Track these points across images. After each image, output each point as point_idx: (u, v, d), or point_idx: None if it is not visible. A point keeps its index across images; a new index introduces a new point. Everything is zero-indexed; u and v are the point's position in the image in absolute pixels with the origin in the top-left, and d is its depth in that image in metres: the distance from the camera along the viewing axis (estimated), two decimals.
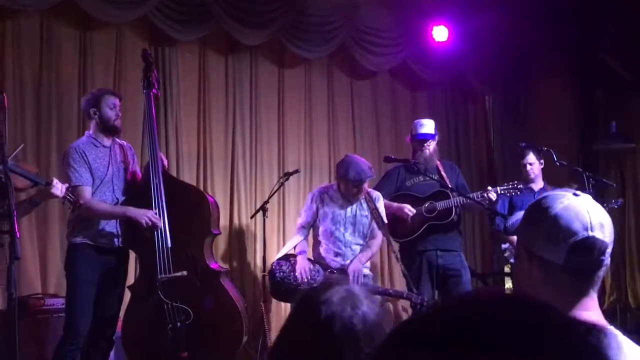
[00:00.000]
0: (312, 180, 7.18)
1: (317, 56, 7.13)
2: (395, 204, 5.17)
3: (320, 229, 4.91)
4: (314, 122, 7.26)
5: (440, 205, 5.15)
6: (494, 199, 5.12)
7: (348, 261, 4.83)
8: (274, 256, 6.71)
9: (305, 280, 4.73)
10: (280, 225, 6.95)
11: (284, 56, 7.10)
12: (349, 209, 4.88)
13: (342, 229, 4.84)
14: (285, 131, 7.07)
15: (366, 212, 4.89)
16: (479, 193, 5.17)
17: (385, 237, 4.80)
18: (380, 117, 7.65)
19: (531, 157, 5.76)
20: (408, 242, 5.16)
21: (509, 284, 7.61)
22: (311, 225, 4.98)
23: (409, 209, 5.10)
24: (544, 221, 1.55)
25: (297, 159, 7.07)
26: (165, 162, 4.84)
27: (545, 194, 1.62)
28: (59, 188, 3.84)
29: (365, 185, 4.86)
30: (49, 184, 3.81)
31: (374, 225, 4.90)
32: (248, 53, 6.85)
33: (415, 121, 5.59)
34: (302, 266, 4.80)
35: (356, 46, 7.24)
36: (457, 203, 5.15)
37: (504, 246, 5.71)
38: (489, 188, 5.17)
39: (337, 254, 4.87)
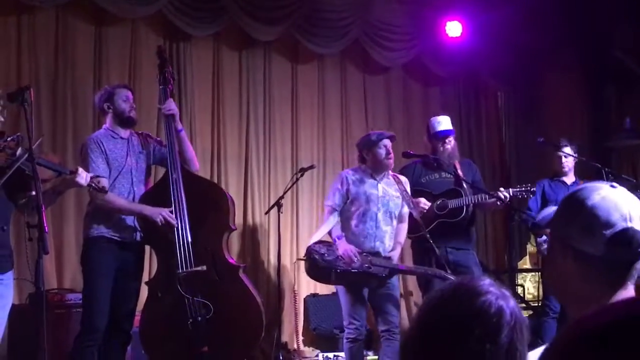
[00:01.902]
0: (326, 176, 7.18)
1: (330, 52, 7.12)
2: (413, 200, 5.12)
3: (352, 210, 4.74)
4: (327, 118, 7.26)
5: (451, 203, 5.13)
6: (506, 200, 5.09)
7: (378, 243, 4.72)
8: (287, 252, 6.76)
9: (357, 260, 4.60)
10: (294, 221, 6.95)
11: (297, 52, 7.10)
12: (380, 188, 4.76)
13: (375, 209, 4.71)
14: (299, 127, 7.07)
15: (396, 193, 4.81)
16: (487, 195, 5.15)
17: (417, 219, 4.76)
18: (393, 112, 7.64)
19: (568, 149, 5.76)
20: (418, 238, 5.13)
21: (521, 281, 7.62)
22: (341, 208, 4.79)
23: (424, 203, 5.08)
24: (580, 213, 1.53)
25: (311, 155, 7.07)
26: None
27: (580, 186, 1.60)
28: (83, 176, 3.83)
29: (391, 161, 4.79)
30: (74, 172, 3.80)
31: (403, 208, 4.84)
32: (262, 49, 6.86)
33: (431, 119, 5.54)
34: (347, 248, 4.61)
35: (369, 42, 7.23)
36: (469, 202, 5.14)
37: (539, 239, 5.67)
38: (501, 189, 5.15)
39: (367, 235, 4.71)
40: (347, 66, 7.42)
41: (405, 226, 4.94)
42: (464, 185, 5.21)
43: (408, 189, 4.88)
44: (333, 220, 4.70)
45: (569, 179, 5.74)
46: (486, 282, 1.38)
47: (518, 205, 5.90)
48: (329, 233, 4.72)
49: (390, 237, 4.80)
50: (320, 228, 4.77)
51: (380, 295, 4.71)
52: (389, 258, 4.74)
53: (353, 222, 4.73)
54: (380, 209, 4.72)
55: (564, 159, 5.73)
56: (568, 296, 1.61)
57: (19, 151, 3.62)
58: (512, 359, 1.31)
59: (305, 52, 7.06)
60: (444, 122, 5.41)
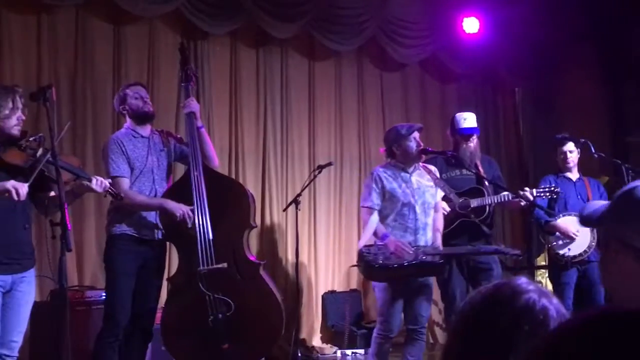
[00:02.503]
0: (343, 174, 7.19)
1: (347, 49, 7.13)
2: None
3: (390, 206, 4.66)
4: (344, 115, 7.27)
5: (474, 202, 5.10)
6: (523, 204, 5.06)
7: (419, 235, 4.65)
8: (305, 248, 6.77)
9: (410, 252, 4.54)
10: (312, 218, 6.97)
11: (314, 49, 7.11)
12: (414, 181, 4.71)
13: (412, 202, 4.64)
14: (316, 124, 7.08)
15: (430, 183, 4.76)
16: (510, 194, 5.11)
17: (454, 202, 4.75)
18: (409, 109, 7.63)
19: (571, 145, 5.69)
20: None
21: (539, 277, 7.58)
22: (380, 207, 4.69)
23: (445, 208, 5.04)
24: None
25: (328, 152, 7.07)
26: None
27: (634, 183, 1.58)
28: (99, 184, 3.84)
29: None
30: (90, 180, 3.81)
31: (436, 197, 4.81)
32: (279, 46, 6.87)
33: (457, 114, 5.49)
34: (397, 244, 4.52)
35: (386, 38, 7.23)
36: (491, 201, 5.11)
37: (551, 238, 5.63)
38: (526, 189, 5.11)
39: (407, 229, 4.64)
40: (364, 63, 7.42)
41: (441, 215, 4.88)
42: (486, 183, 5.18)
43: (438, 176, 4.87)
44: (375, 220, 4.62)
45: (574, 175, 5.69)
46: (524, 280, 1.39)
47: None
48: (374, 233, 4.63)
49: (430, 229, 4.73)
50: (365, 231, 4.66)
51: (415, 293, 4.65)
52: (437, 247, 4.69)
53: (392, 218, 4.65)
54: (417, 201, 4.66)
55: (568, 154, 5.68)
56: (628, 297, 1.59)
57: (39, 152, 3.64)
58: None
59: (322, 49, 7.06)
60: (469, 119, 5.37)
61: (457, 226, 5.10)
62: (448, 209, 5.04)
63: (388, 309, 4.58)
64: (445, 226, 4.99)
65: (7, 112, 3.61)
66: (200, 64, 6.34)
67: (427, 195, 4.73)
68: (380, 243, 4.56)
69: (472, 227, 5.12)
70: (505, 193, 5.11)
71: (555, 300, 1.37)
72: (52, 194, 3.79)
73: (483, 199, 5.11)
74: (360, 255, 4.57)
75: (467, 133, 5.29)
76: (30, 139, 3.69)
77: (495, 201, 5.12)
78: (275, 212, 6.74)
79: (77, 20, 5.86)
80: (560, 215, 5.54)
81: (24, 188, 3.45)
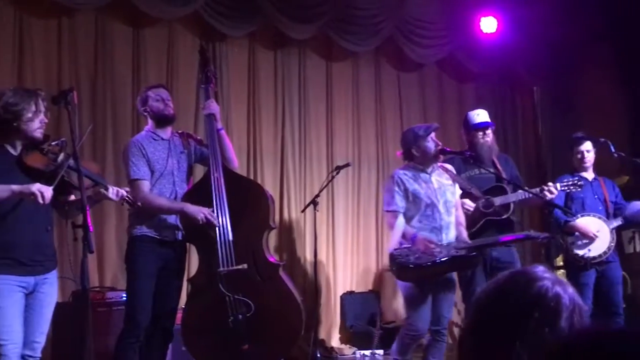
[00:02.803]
0: (360, 174, 7.20)
1: (364, 49, 7.14)
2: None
3: (414, 208, 4.65)
4: (362, 115, 7.28)
5: (497, 201, 5.08)
6: (554, 195, 5.05)
7: (444, 235, 4.63)
8: (323, 249, 6.78)
9: (440, 249, 4.48)
10: (330, 219, 6.98)
11: (331, 50, 7.13)
12: (434, 181, 4.71)
13: (435, 202, 4.64)
14: (334, 124, 7.10)
15: (449, 181, 4.77)
16: (537, 189, 5.10)
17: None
18: (427, 109, 7.63)
19: (588, 145, 5.65)
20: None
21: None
22: (404, 209, 4.67)
23: (469, 205, 5.03)
24: None
25: (346, 152, 7.09)
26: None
27: None
28: (115, 193, 3.85)
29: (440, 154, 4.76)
30: (107, 189, 3.83)
31: (456, 195, 4.81)
32: (296, 47, 6.90)
33: (469, 112, 5.50)
34: (426, 243, 4.50)
35: (403, 38, 7.23)
36: (515, 199, 5.08)
37: (570, 238, 5.60)
38: (550, 184, 5.10)
39: (432, 229, 4.62)
40: (381, 63, 7.43)
41: (461, 211, 4.89)
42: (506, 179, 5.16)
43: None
44: (402, 223, 4.60)
45: (589, 174, 5.65)
46: (540, 268, 1.41)
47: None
48: (402, 236, 4.60)
49: (453, 227, 4.73)
50: (393, 235, 4.61)
51: (441, 293, 4.64)
52: (465, 240, 4.68)
53: (417, 219, 4.63)
54: (439, 201, 4.66)
55: (586, 155, 5.64)
56: None
57: (60, 157, 3.67)
58: None
59: (340, 50, 7.08)
60: (482, 115, 5.37)
61: (482, 225, 5.09)
62: (472, 204, 5.03)
63: (417, 309, 4.56)
64: (470, 226, 4.98)
65: (30, 115, 3.64)
66: (218, 65, 6.37)
67: (448, 194, 4.74)
68: (409, 244, 4.54)
69: (497, 225, 5.10)
70: (530, 189, 5.09)
71: (571, 289, 1.38)
72: (72, 197, 3.82)
73: (507, 196, 5.09)
74: (392, 258, 4.54)
75: (483, 126, 5.28)
76: (53, 143, 3.72)
77: (520, 198, 5.09)
78: (293, 212, 6.76)
79: (96, 23, 5.92)
80: (579, 215, 5.51)
81: (49, 192, 3.49)
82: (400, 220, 4.60)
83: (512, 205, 5.13)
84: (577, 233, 5.51)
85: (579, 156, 5.63)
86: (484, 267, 5.08)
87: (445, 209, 4.68)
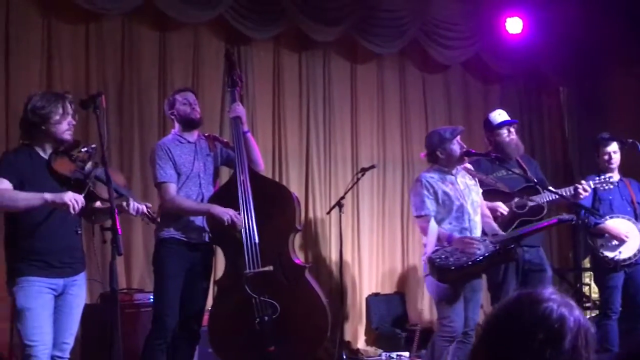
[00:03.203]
0: (386, 176, 7.20)
1: (389, 51, 7.14)
2: (487, 203, 4.98)
3: (443, 210, 4.62)
4: (387, 117, 7.28)
5: (531, 201, 5.06)
6: (587, 194, 5.01)
7: (474, 234, 4.61)
8: (349, 251, 6.78)
9: (480, 246, 4.46)
10: (355, 221, 6.98)
11: (356, 52, 7.13)
12: (460, 182, 4.70)
13: (463, 203, 4.62)
14: (358, 127, 7.11)
15: (472, 181, 4.76)
16: (571, 188, 5.07)
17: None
18: (452, 110, 7.61)
19: (614, 146, 5.59)
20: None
21: (586, 280, 7.47)
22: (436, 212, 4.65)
23: (503, 209, 4.99)
24: None
25: (370, 154, 7.09)
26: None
27: None
28: (134, 209, 3.83)
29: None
30: (128, 204, 3.81)
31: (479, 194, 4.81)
32: (321, 50, 6.92)
33: (489, 115, 5.48)
34: (465, 242, 4.49)
35: (428, 40, 7.22)
36: (548, 198, 5.05)
37: (599, 241, 5.55)
38: (582, 182, 5.07)
39: (461, 230, 4.60)
40: (406, 65, 7.42)
41: (486, 208, 4.87)
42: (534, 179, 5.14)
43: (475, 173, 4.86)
44: (435, 226, 4.56)
45: (615, 176, 5.59)
46: (549, 290, 1.43)
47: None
48: (438, 239, 4.56)
49: (480, 226, 4.72)
50: (428, 239, 4.55)
51: (471, 294, 4.63)
52: (498, 232, 4.67)
53: (447, 221, 4.61)
54: (467, 201, 4.64)
55: (613, 156, 5.58)
56: None
57: (88, 165, 3.71)
58: None
59: (364, 52, 7.08)
60: (503, 114, 5.37)
61: (517, 226, 5.06)
62: (505, 208, 4.99)
63: (454, 309, 4.51)
64: (505, 227, 4.97)
65: (57, 117, 3.69)
66: (244, 68, 6.40)
67: (473, 194, 4.74)
68: (445, 245, 4.51)
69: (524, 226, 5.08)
70: (561, 190, 5.07)
71: (577, 312, 1.40)
72: (98, 204, 3.85)
73: (541, 196, 5.05)
74: (432, 262, 4.48)
75: (507, 123, 5.26)
76: (83, 149, 3.76)
77: (551, 198, 5.04)
78: (318, 214, 6.77)
79: (123, 28, 5.97)
80: (608, 217, 5.46)
81: (81, 201, 3.52)
82: (433, 224, 4.57)
83: (546, 206, 5.10)
84: (606, 235, 5.46)
85: (606, 157, 5.58)
86: (517, 269, 5.06)
87: (472, 209, 4.67)
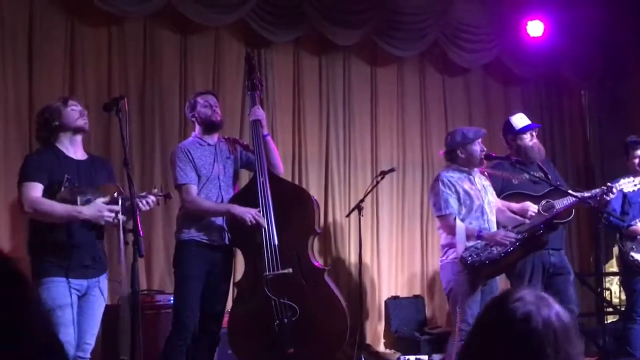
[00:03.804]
0: (405, 179, 7.18)
1: (409, 54, 7.13)
2: (515, 205, 4.98)
3: (463, 209, 4.61)
4: (407, 121, 7.27)
5: (558, 204, 5.03)
6: (614, 196, 4.99)
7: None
8: (368, 254, 6.78)
9: (511, 236, 4.48)
10: (374, 224, 6.98)
11: (376, 55, 7.13)
12: (477, 182, 4.70)
13: (481, 203, 4.63)
14: (378, 130, 7.10)
15: (487, 182, 4.78)
16: (598, 190, 5.04)
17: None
18: (472, 113, 7.57)
19: None
20: None
21: (607, 284, 7.41)
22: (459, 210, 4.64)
23: (533, 209, 4.93)
24: None
25: (390, 158, 7.08)
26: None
27: None
28: (146, 205, 3.87)
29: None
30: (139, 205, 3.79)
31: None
32: (341, 53, 6.92)
33: (510, 119, 5.45)
34: (500, 234, 4.52)
35: (449, 43, 7.20)
36: (574, 202, 5.02)
37: (629, 245, 5.51)
38: (609, 184, 5.03)
39: (481, 229, 4.58)
40: (426, 68, 7.40)
41: (499, 201, 4.90)
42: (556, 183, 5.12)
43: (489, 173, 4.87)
44: (461, 225, 4.52)
45: None
46: (524, 290, 1.45)
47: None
48: (467, 237, 4.53)
49: (496, 225, 4.73)
50: (457, 239, 4.50)
51: (487, 295, 4.58)
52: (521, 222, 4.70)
53: (467, 221, 4.60)
54: (484, 202, 4.66)
55: None
56: None
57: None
58: None
59: (384, 55, 7.08)
60: (524, 118, 5.36)
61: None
62: (535, 209, 4.97)
63: (471, 305, 4.46)
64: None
65: (64, 109, 3.86)
66: (264, 71, 6.42)
67: (489, 194, 4.76)
68: (472, 244, 4.52)
69: (556, 228, 5.06)
70: (594, 190, 5.06)
71: (548, 310, 1.40)
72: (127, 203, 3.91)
73: (566, 200, 5.03)
74: (464, 261, 4.45)
75: (530, 128, 5.25)
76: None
77: (577, 201, 5.02)
78: (338, 217, 6.78)
79: (145, 31, 6.02)
80: (638, 220, 5.44)
81: (118, 213, 3.67)
82: (459, 222, 4.54)
83: (573, 209, 5.09)
84: (638, 237, 5.44)
85: (636, 161, 5.55)
86: (543, 273, 5.04)
87: (489, 209, 4.69)
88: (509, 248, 4.44)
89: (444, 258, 4.69)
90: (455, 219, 4.55)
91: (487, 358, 1.38)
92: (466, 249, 4.48)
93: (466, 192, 4.61)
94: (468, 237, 4.51)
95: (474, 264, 4.43)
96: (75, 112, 3.87)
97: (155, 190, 4.02)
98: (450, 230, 4.58)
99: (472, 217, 4.61)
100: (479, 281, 4.53)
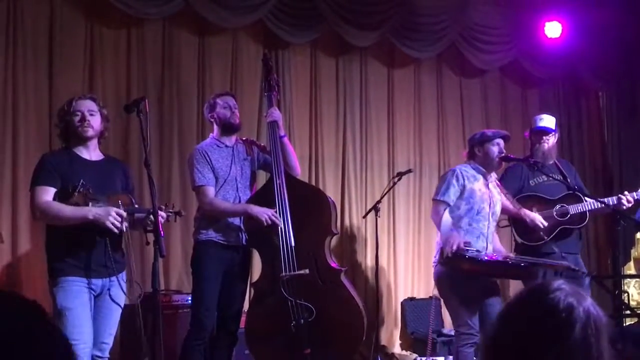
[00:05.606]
0: (422, 181, 7.17)
1: (426, 56, 7.12)
2: (529, 213, 4.97)
3: (466, 207, 4.54)
4: (424, 122, 7.26)
5: (572, 209, 5.01)
6: (631, 205, 4.96)
7: (488, 243, 4.57)
8: (385, 255, 6.77)
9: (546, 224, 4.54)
10: (391, 225, 6.98)
11: (393, 56, 7.13)
12: (492, 189, 4.67)
13: (488, 208, 4.57)
14: (395, 131, 7.10)
15: (499, 196, 4.73)
16: (614, 198, 5.02)
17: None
18: (490, 115, 7.55)
19: None
20: (537, 246, 5.00)
21: (625, 287, 7.36)
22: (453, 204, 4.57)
23: (541, 222, 4.92)
24: None
25: (407, 159, 7.08)
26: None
27: None
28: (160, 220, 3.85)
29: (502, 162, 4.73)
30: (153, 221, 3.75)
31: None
32: (358, 54, 6.92)
33: (537, 115, 5.49)
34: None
35: (466, 44, 7.18)
36: (591, 207, 5.00)
37: None
38: (626, 193, 5.01)
39: (479, 235, 4.53)
40: (443, 70, 7.39)
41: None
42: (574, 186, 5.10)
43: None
44: (448, 218, 4.44)
45: None
46: (559, 282, 1.47)
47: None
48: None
49: (493, 239, 4.71)
50: (442, 226, 4.41)
51: (489, 298, 4.57)
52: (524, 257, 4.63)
53: (466, 222, 4.53)
54: (491, 209, 4.61)
55: None
56: None
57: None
58: (587, 353, 1.36)
59: (402, 56, 7.07)
60: (546, 120, 5.33)
61: (557, 234, 5.03)
62: (544, 222, 4.94)
63: (470, 315, 4.44)
64: (547, 233, 4.94)
65: (72, 106, 3.85)
66: (281, 73, 6.45)
67: (498, 206, 4.72)
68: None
69: (565, 233, 5.05)
70: (609, 198, 5.04)
71: (587, 302, 1.42)
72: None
73: (583, 205, 5.01)
74: (445, 253, 4.31)
75: (540, 130, 5.24)
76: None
77: (593, 208, 4.99)
78: (354, 218, 6.79)
79: (163, 33, 6.06)
80: None
81: (123, 219, 3.68)
82: (447, 215, 4.46)
83: (588, 215, 5.06)
84: None
85: None
86: (554, 275, 5.01)
87: (493, 220, 4.66)
88: (509, 261, 4.43)
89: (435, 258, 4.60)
90: (446, 208, 4.48)
91: (519, 352, 1.38)
92: (467, 241, 4.39)
93: (474, 191, 4.54)
94: (448, 240, 4.34)
95: (455, 254, 4.26)
96: (78, 118, 3.86)
97: (165, 208, 3.99)
98: (436, 217, 4.51)
99: (473, 217, 4.54)
100: (460, 277, 4.39)
